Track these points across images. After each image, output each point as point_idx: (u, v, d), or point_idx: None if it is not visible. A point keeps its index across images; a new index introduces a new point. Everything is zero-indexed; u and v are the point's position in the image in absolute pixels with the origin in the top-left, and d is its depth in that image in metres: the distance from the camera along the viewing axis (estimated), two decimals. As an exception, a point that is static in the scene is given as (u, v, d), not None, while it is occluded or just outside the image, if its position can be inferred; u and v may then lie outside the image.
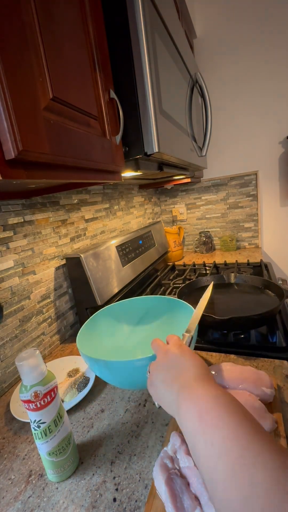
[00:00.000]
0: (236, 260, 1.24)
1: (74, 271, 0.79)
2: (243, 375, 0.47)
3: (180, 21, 1.10)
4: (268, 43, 1.31)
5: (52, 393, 0.37)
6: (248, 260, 1.25)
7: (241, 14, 1.32)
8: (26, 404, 0.36)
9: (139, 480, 0.37)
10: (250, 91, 1.40)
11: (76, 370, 0.62)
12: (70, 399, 0.53)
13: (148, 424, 0.46)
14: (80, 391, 0.54)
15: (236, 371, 0.49)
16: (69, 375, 0.61)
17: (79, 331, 0.55)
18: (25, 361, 0.35)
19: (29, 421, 0.45)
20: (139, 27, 0.51)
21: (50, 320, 0.75)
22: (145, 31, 0.51)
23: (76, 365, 0.64)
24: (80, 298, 0.81)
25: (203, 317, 0.66)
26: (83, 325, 0.57)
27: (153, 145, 0.56)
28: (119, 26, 0.53)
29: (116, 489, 0.37)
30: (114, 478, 0.38)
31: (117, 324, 0.68)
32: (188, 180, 1.30)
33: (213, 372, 0.51)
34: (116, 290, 0.87)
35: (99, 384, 0.58)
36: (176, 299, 0.65)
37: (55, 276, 0.78)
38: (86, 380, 0.57)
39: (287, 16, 1.26)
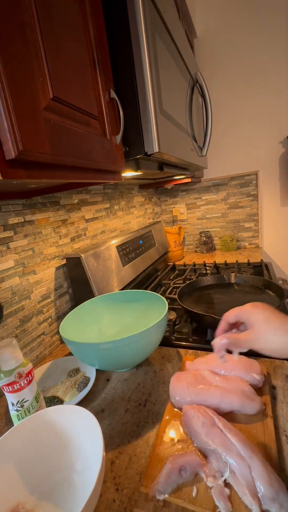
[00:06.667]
0: (237, 260, 1.24)
1: (74, 271, 0.79)
2: (235, 363, 0.51)
3: (180, 20, 1.10)
4: (268, 42, 1.31)
5: (32, 372, 0.43)
6: (248, 260, 1.25)
7: (241, 14, 1.32)
8: (10, 386, 0.40)
9: (139, 481, 0.37)
10: (250, 90, 1.39)
11: (76, 370, 0.62)
12: (71, 399, 0.53)
13: (149, 423, 0.46)
14: (81, 391, 0.54)
15: (229, 359, 0.52)
16: (70, 375, 0.61)
17: (63, 320, 0.61)
18: (7, 348, 0.39)
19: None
20: (140, 26, 0.51)
21: (50, 320, 0.75)
22: (146, 30, 0.51)
23: (76, 365, 0.64)
24: (80, 298, 0.81)
25: (203, 317, 0.67)
26: (67, 315, 0.63)
27: (154, 145, 0.56)
28: (119, 25, 0.52)
29: (117, 489, 0.37)
30: (114, 478, 0.38)
31: (100, 315, 0.73)
32: (189, 180, 1.30)
33: (203, 360, 0.55)
34: (116, 290, 0.87)
35: (100, 384, 0.58)
36: (150, 292, 0.71)
37: (56, 276, 0.78)
38: (86, 380, 0.57)
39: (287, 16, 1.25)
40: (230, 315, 0.43)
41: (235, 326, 0.45)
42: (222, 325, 0.44)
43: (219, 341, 0.41)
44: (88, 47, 0.46)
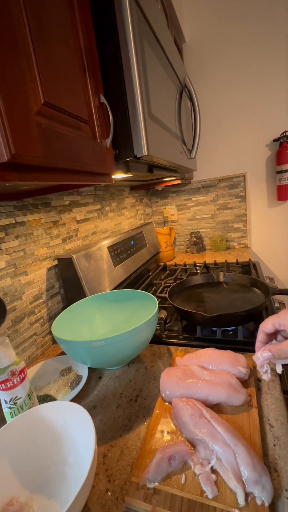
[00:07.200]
0: (226, 260, 1.27)
1: (66, 271, 0.80)
2: (222, 357, 0.54)
3: (168, 26, 1.13)
4: (255, 46, 1.35)
5: (24, 370, 0.44)
6: (237, 260, 1.28)
7: (229, 19, 1.36)
8: (3, 384, 0.41)
9: (130, 471, 0.39)
10: (238, 94, 1.43)
11: (69, 369, 0.63)
12: (64, 397, 0.54)
13: (140, 418, 0.48)
14: (73, 389, 0.55)
15: (216, 354, 0.55)
16: (62, 374, 0.61)
17: (55, 319, 0.62)
18: (1, 346, 0.40)
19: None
20: (128, 33, 0.53)
21: (42, 320, 0.76)
22: (134, 37, 0.53)
23: (68, 364, 0.65)
24: (72, 298, 0.82)
25: (193, 315, 0.69)
26: (59, 315, 0.65)
27: (143, 148, 0.58)
28: (108, 32, 0.54)
29: (109, 481, 0.38)
30: (106, 470, 0.40)
31: (91, 314, 0.74)
32: (179, 181, 1.33)
33: (193, 355, 0.57)
34: (108, 290, 0.88)
35: (92, 381, 0.59)
36: (141, 291, 0.72)
37: (47, 276, 0.79)
38: (79, 378, 0.58)
39: (274, 21, 1.30)
40: (267, 325, 0.39)
41: (274, 336, 0.41)
42: (260, 337, 0.41)
43: (261, 355, 0.38)
44: (78, 53, 0.47)
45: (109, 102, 0.55)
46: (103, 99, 0.53)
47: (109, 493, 0.36)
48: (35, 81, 0.37)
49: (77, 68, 0.47)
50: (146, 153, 0.58)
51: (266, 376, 0.41)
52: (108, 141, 0.56)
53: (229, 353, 0.54)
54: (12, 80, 0.33)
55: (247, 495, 0.32)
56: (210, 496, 0.33)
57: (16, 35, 0.34)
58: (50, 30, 0.40)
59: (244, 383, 0.50)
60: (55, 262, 0.82)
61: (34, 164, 0.36)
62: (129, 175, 0.78)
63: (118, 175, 0.77)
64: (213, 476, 0.35)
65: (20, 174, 0.36)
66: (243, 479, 0.34)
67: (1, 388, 0.40)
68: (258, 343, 0.42)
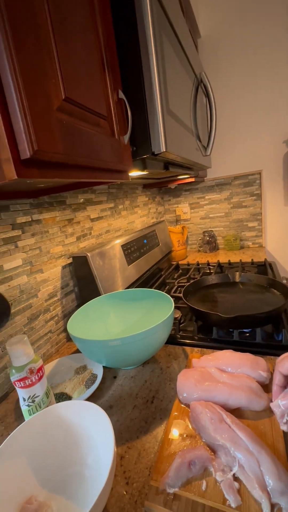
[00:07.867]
0: (240, 259, 1.24)
1: (80, 269, 0.80)
2: (241, 360, 0.52)
3: (184, 18, 1.10)
4: (271, 42, 1.31)
5: (42, 368, 0.44)
6: (252, 259, 1.25)
7: (245, 13, 1.32)
8: (21, 382, 0.41)
9: (148, 475, 0.38)
10: (254, 90, 1.39)
11: (83, 368, 0.62)
12: (79, 396, 0.53)
13: (157, 420, 0.47)
14: (88, 388, 0.55)
15: (236, 357, 0.53)
16: (77, 372, 0.61)
17: (71, 318, 0.62)
18: (19, 344, 0.40)
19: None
20: (147, 27, 0.51)
21: (57, 318, 0.76)
22: (153, 32, 0.52)
23: (83, 362, 0.65)
24: (86, 296, 0.82)
25: (209, 315, 0.67)
26: (74, 313, 0.65)
27: (161, 145, 0.56)
28: (127, 27, 0.53)
29: (127, 483, 0.37)
30: (124, 472, 0.39)
31: (106, 313, 0.74)
32: (192, 179, 1.31)
33: (210, 357, 0.55)
34: (121, 289, 0.88)
35: (107, 381, 0.59)
36: (155, 290, 0.71)
37: (62, 274, 0.79)
38: (94, 377, 0.58)
39: (291, 15, 1.25)
40: (285, 365, 0.35)
41: None
42: (277, 380, 0.37)
43: (281, 402, 0.34)
44: (97, 48, 0.46)
45: (127, 98, 0.54)
46: (121, 95, 0.52)
47: (127, 496, 0.36)
48: (56, 76, 0.36)
49: (96, 63, 0.46)
50: (164, 150, 0.56)
51: (286, 427, 0.35)
52: (126, 138, 0.55)
53: (248, 356, 0.53)
54: (35, 75, 0.32)
55: (272, 506, 0.31)
56: (233, 505, 0.32)
57: (39, 30, 0.33)
58: (70, 26, 0.39)
59: (265, 387, 0.48)
60: (70, 260, 0.82)
61: (54, 160, 0.36)
62: (145, 172, 0.77)
63: (134, 173, 0.76)
64: (236, 484, 0.34)
65: (41, 171, 0.35)
66: (268, 489, 0.32)
67: (20, 385, 0.40)
68: (275, 388, 0.37)
